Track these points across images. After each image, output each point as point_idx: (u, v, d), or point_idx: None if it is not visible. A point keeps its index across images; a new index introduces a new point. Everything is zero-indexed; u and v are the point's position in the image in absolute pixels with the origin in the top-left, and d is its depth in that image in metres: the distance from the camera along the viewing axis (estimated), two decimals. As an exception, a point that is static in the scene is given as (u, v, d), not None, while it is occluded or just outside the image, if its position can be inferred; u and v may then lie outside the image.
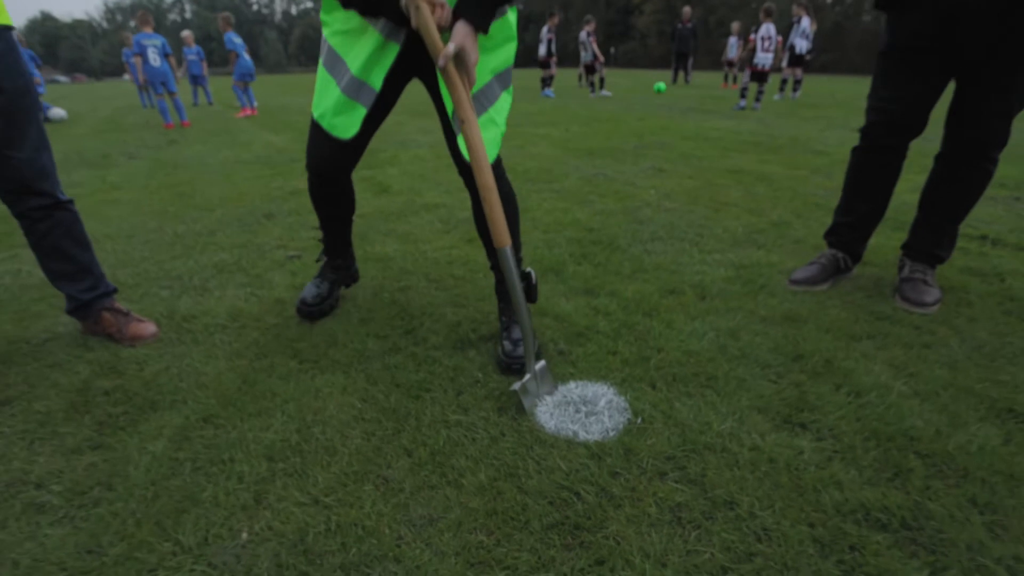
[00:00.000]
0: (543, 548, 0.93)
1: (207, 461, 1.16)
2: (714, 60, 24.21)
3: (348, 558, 0.92)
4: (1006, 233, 2.50)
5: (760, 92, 8.40)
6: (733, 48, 13.51)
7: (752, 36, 8.94)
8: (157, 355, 1.61)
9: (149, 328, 1.73)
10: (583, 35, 11.20)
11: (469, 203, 1.55)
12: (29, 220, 1.58)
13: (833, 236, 2.01)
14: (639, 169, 3.86)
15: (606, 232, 2.49)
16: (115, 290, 1.78)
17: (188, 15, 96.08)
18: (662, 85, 12.44)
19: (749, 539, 0.94)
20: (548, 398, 1.32)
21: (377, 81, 1.38)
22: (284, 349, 1.61)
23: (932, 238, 1.86)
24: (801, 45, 9.03)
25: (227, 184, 3.90)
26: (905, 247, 1.94)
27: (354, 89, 1.39)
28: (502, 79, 1.45)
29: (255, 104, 9.18)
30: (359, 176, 3.88)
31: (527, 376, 1.31)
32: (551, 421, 1.24)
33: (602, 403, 1.29)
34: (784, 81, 9.89)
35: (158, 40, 7.47)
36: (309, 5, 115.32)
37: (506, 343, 1.49)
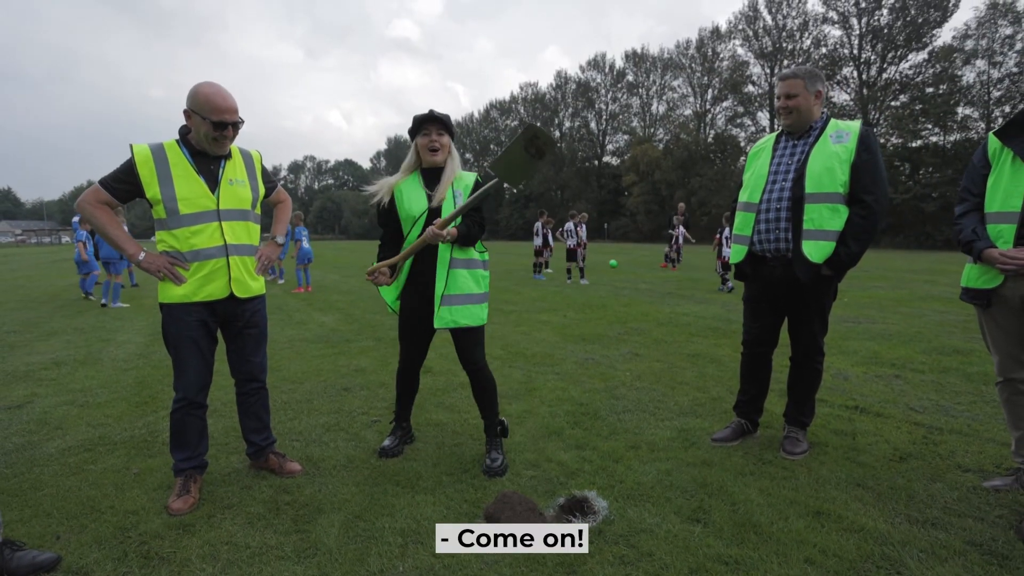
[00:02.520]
0: (557, 574, 1.86)
1: (367, 537, 2.10)
2: (699, 235, 27.33)
3: None
4: (874, 404, 3.56)
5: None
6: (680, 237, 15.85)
7: (718, 235, 10.97)
8: (309, 483, 2.58)
9: (297, 466, 2.72)
10: (536, 225, 13.54)
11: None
12: (246, 395, 2.66)
13: (737, 409, 3.08)
14: (620, 354, 5.05)
15: (592, 406, 3.56)
16: (275, 440, 2.80)
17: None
18: (615, 262, 14.92)
19: (657, 567, 1.87)
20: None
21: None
22: (389, 480, 2.58)
23: (797, 410, 2.91)
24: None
25: (302, 360, 5.04)
26: (784, 415, 2.99)
27: None
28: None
29: (310, 283, 10.97)
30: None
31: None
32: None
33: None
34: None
35: None
36: (330, 182, 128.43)
37: (487, 460, 2.64)
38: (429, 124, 2.60)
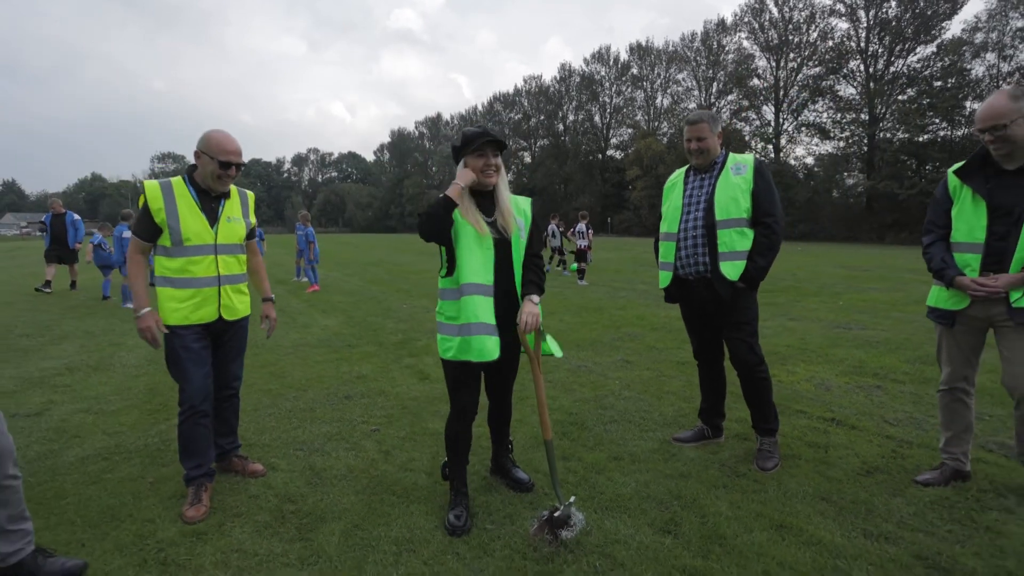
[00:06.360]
0: (533, 581, 2.05)
1: (365, 546, 2.29)
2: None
3: (444, 584, 2.04)
4: (851, 416, 3.72)
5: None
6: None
7: (571, 230, 11.79)
8: (312, 492, 2.78)
9: (259, 467, 2.98)
10: (551, 227, 14.02)
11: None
12: (219, 400, 2.85)
13: (700, 415, 3.38)
14: (612, 361, 5.22)
15: (580, 416, 3.75)
16: (240, 445, 3.04)
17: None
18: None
19: (627, 572, 2.06)
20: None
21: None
22: (386, 491, 2.78)
23: (759, 418, 3.07)
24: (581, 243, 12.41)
25: (305, 367, 5.24)
26: (753, 426, 3.15)
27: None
28: None
29: (317, 281, 11.32)
30: (403, 364, 5.23)
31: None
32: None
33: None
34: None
35: None
36: (334, 174, 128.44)
37: (517, 475, 2.78)
38: (485, 144, 2.34)
